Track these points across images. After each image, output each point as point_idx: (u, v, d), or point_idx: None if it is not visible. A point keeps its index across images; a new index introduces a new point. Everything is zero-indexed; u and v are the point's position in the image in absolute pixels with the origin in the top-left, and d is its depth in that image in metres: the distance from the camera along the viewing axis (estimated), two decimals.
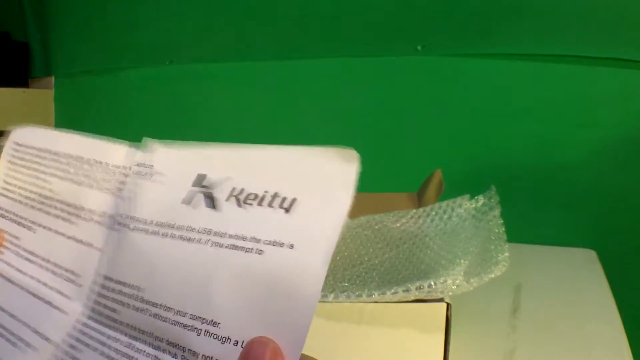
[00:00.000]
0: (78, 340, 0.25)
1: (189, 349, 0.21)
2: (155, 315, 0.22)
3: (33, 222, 0.28)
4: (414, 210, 0.43)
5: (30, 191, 0.29)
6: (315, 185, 0.21)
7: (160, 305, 0.22)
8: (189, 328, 0.21)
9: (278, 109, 0.82)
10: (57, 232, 0.27)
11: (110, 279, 0.25)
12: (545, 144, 0.66)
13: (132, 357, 0.22)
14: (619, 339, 0.43)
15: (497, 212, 0.39)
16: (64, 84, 1.04)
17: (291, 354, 0.19)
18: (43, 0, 1.02)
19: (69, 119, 1.02)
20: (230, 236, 0.21)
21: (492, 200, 0.40)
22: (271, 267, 0.20)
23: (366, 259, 0.39)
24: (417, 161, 0.73)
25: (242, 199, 0.22)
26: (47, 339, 0.25)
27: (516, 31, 0.65)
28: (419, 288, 0.31)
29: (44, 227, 0.28)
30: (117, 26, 0.94)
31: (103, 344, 0.24)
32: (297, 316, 0.19)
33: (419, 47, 0.71)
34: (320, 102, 0.79)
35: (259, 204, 0.21)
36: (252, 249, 0.20)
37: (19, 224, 0.29)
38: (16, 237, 0.29)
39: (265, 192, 0.21)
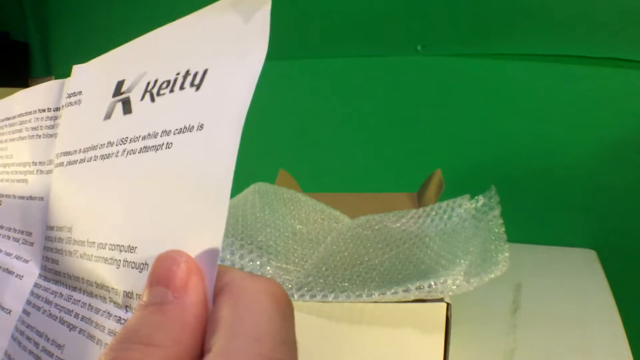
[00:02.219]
0: (30, 304, 0.23)
1: (112, 288, 0.18)
2: (83, 256, 0.19)
3: (0, 195, 0.27)
4: (414, 210, 0.43)
5: None
6: (225, 46, 0.17)
7: (86, 242, 0.19)
8: (110, 261, 0.18)
9: (278, 109, 0.82)
10: (15, 196, 0.26)
11: (52, 228, 0.22)
12: (545, 144, 0.66)
13: (70, 311, 0.20)
14: (619, 339, 0.43)
15: (497, 212, 0.39)
16: None
17: (208, 265, 0.15)
18: (43, 0, 1.02)
19: None
20: (143, 138, 0.18)
21: (492, 200, 0.40)
22: (181, 159, 0.16)
23: (366, 259, 0.39)
24: (417, 161, 0.73)
25: (155, 92, 0.18)
26: (9, 311, 0.24)
27: (516, 31, 0.65)
28: (419, 288, 0.31)
29: (7, 196, 0.27)
30: (117, 26, 0.94)
31: (48, 302, 0.22)
32: (208, 214, 0.15)
33: (419, 47, 0.71)
34: (320, 102, 0.79)
35: (171, 90, 0.18)
36: (162, 144, 0.17)
37: None
38: None
39: (177, 74, 0.18)
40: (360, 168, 0.77)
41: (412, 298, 0.32)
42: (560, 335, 0.44)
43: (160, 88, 0.18)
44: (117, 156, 0.19)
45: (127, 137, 0.19)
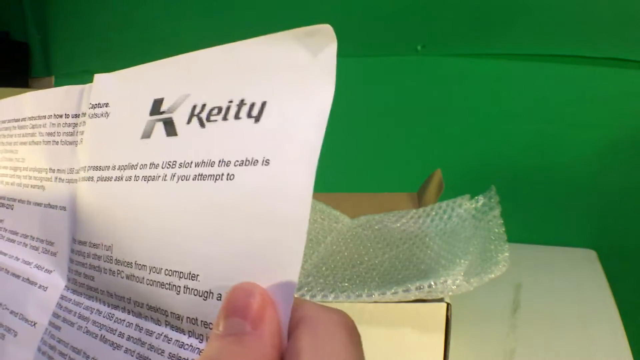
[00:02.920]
0: (59, 317, 0.22)
1: (171, 312, 0.18)
2: (130, 277, 0.19)
3: (11, 199, 0.26)
4: (414, 210, 0.43)
5: (5, 167, 0.27)
6: (287, 80, 0.17)
7: (133, 263, 0.19)
8: (167, 286, 0.18)
9: None
10: (31, 202, 0.25)
11: (83, 242, 0.22)
12: (545, 144, 0.66)
13: (114, 330, 0.20)
14: (619, 339, 0.43)
15: (497, 212, 0.39)
16: (64, 84, 1.03)
17: (283, 298, 0.15)
18: (43, 0, 1.02)
19: None
20: (196, 165, 0.18)
21: (492, 200, 0.40)
22: (246, 193, 0.16)
23: (366, 259, 0.39)
24: (417, 161, 0.73)
25: (204, 117, 0.18)
26: (33, 324, 0.23)
27: (516, 31, 0.65)
28: (419, 288, 0.31)
29: (20, 201, 0.26)
30: (117, 26, 0.94)
31: (83, 318, 0.21)
32: (285, 249, 0.15)
33: (419, 47, 0.71)
34: None
35: (224, 118, 0.17)
36: (221, 175, 0.17)
37: (1, 205, 0.27)
38: (0, 220, 0.27)
39: (230, 101, 0.17)
40: (360, 168, 0.77)
41: (412, 298, 0.32)
42: (560, 335, 0.44)
43: (210, 114, 0.18)
44: (164, 180, 0.19)
45: (175, 161, 0.18)
